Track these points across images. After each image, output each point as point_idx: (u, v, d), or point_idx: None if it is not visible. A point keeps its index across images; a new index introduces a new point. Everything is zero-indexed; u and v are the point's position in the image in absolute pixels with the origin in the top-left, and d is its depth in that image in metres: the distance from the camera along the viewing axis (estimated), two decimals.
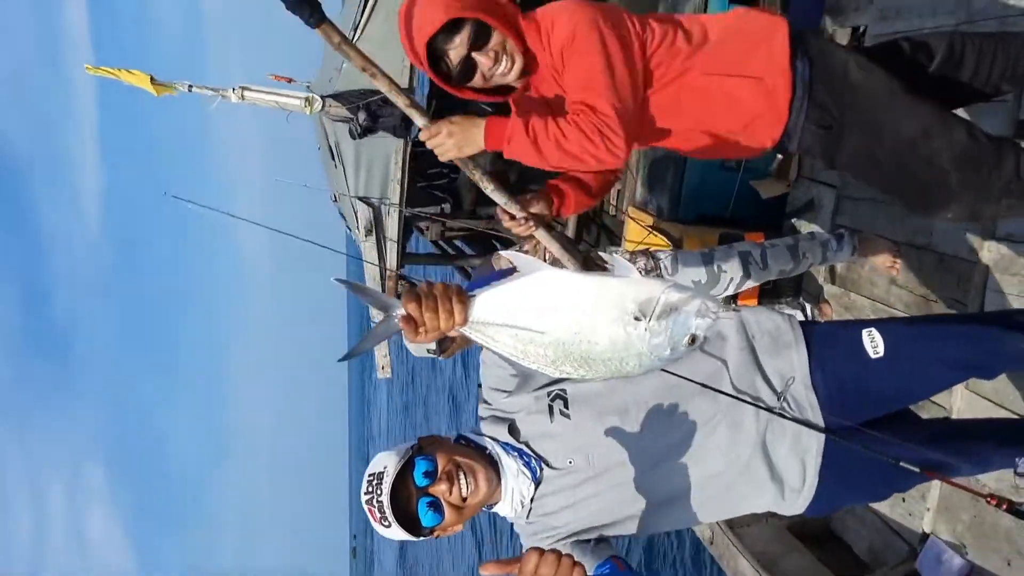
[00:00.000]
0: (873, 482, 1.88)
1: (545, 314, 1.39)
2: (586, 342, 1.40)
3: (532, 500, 1.71)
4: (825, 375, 1.82)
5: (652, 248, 3.44)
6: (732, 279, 3.16)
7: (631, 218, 4.93)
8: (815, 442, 1.77)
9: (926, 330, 1.95)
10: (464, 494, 1.61)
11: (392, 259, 4.50)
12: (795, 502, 1.81)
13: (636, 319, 1.39)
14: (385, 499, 1.56)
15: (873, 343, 1.84)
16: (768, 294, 3.85)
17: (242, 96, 4.16)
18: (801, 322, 1.93)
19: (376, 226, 4.44)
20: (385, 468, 1.60)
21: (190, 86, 4.29)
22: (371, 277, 4.50)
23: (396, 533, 1.58)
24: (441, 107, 9.11)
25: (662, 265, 3.17)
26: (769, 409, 1.75)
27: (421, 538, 1.64)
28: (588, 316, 1.39)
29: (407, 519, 1.58)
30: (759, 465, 1.75)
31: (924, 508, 2.83)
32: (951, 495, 2.71)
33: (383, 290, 4.52)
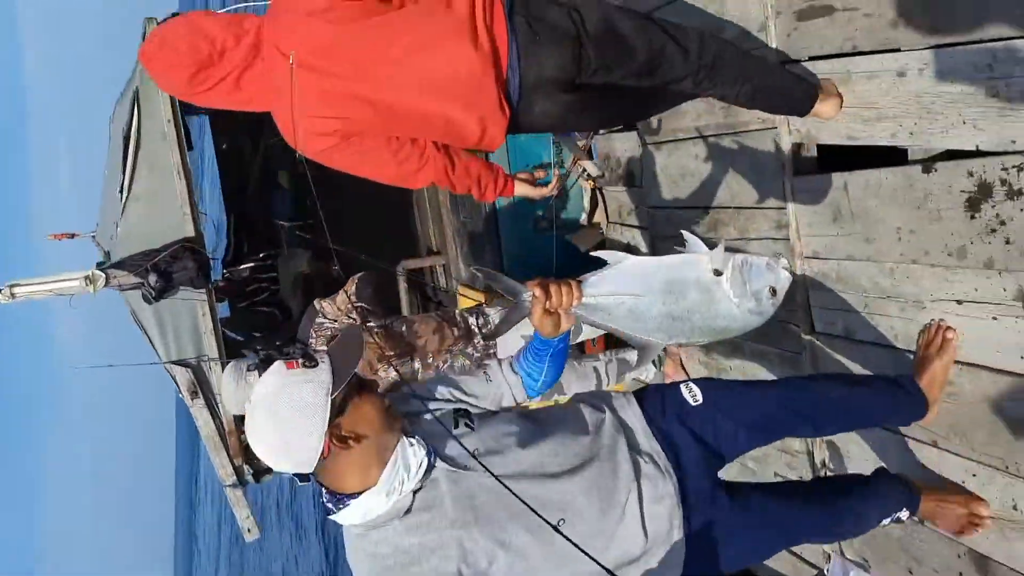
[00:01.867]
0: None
1: (645, 288, 1.72)
2: (683, 308, 1.73)
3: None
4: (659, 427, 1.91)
5: (482, 306, 3.43)
6: (571, 328, 3.15)
7: (463, 295, 4.84)
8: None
9: (740, 383, 2.16)
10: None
11: (226, 413, 4.17)
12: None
13: (716, 274, 1.73)
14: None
15: (691, 393, 1.98)
16: (614, 339, 3.85)
17: (11, 295, 3.75)
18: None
19: (200, 386, 4.11)
20: None
21: None
22: (209, 439, 4.15)
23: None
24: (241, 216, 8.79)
25: (491, 320, 3.19)
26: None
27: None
28: (679, 284, 1.72)
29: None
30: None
31: None
32: None
33: (227, 450, 4.18)
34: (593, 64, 2.06)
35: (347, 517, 1.56)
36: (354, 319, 3.09)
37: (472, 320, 3.21)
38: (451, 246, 5.39)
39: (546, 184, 2.53)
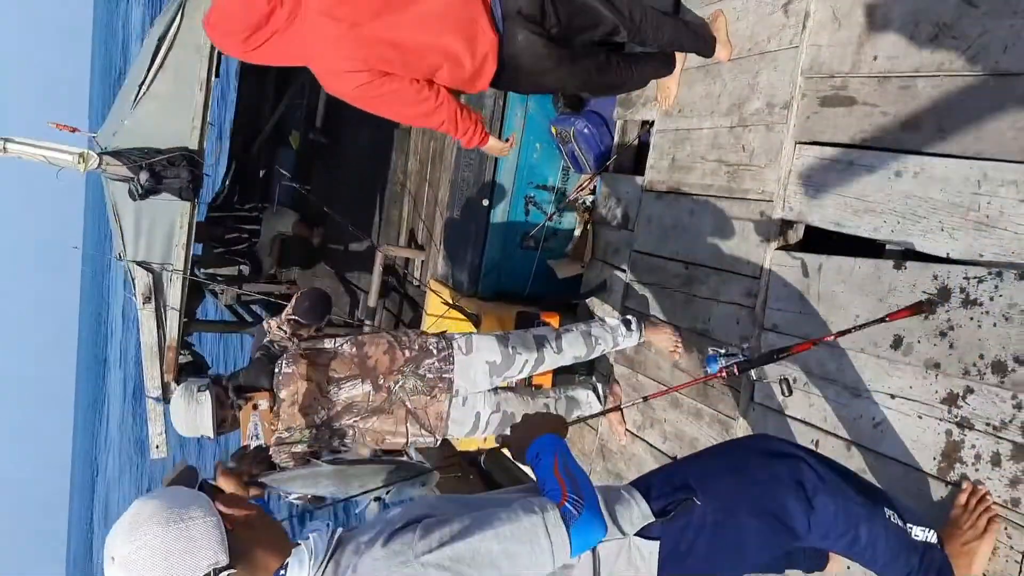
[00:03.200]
0: None
1: None
2: None
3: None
4: None
5: (447, 332, 3.38)
6: (527, 361, 3.17)
7: (432, 291, 4.89)
8: None
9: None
10: None
11: (172, 329, 4.17)
12: None
13: None
14: None
15: None
16: (562, 373, 3.91)
17: (3, 148, 3.76)
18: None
19: (156, 293, 4.11)
20: None
21: None
22: (148, 347, 4.14)
23: None
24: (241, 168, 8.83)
25: (455, 345, 3.14)
26: None
27: None
28: None
29: None
30: None
31: None
32: None
33: (162, 364, 4.18)
34: (552, 18, 2.68)
35: None
36: (285, 331, 3.08)
37: (433, 342, 3.15)
38: (435, 244, 5.46)
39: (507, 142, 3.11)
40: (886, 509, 1.82)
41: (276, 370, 2.95)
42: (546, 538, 1.41)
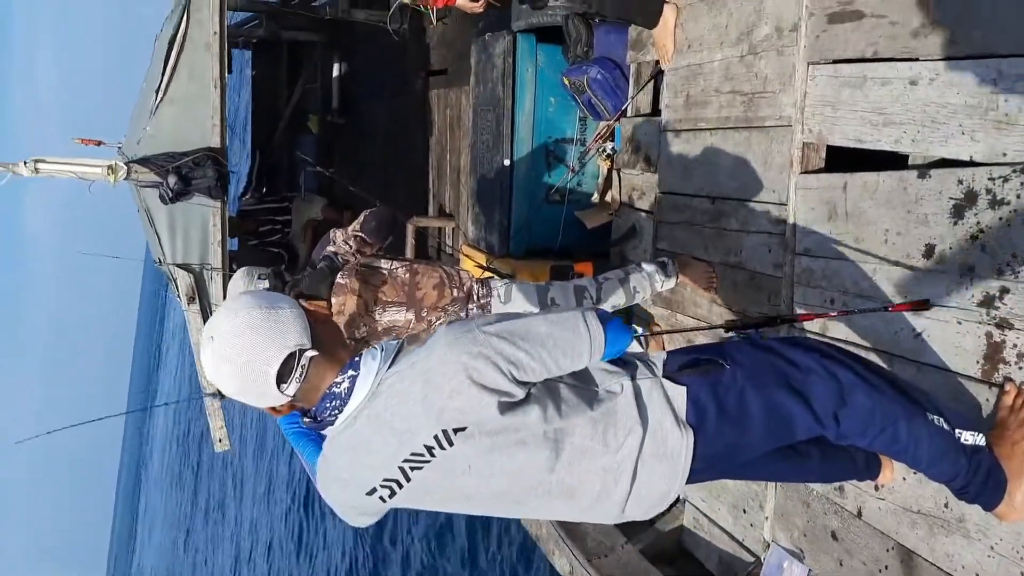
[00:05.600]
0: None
1: None
2: None
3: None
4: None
5: (492, 278, 3.45)
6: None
7: (466, 256, 4.95)
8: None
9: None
10: None
11: None
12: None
13: None
14: None
15: None
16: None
17: (35, 169, 3.86)
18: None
19: (199, 293, 4.23)
20: None
21: None
22: (197, 346, 4.27)
23: None
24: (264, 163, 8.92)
25: (495, 293, 3.20)
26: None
27: None
28: None
29: None
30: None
31: (763, 517, 2.94)
32: (786, 503, 2.83)
33: None
34: None
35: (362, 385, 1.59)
36: (351, 246, 3.14)
37: (476, 288, 3.21)
38: (464, 210, 5.50)
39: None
40: (929, 413, 1.83)
41: (335, 278, 3.02)
42: (585, 329, 1.63)
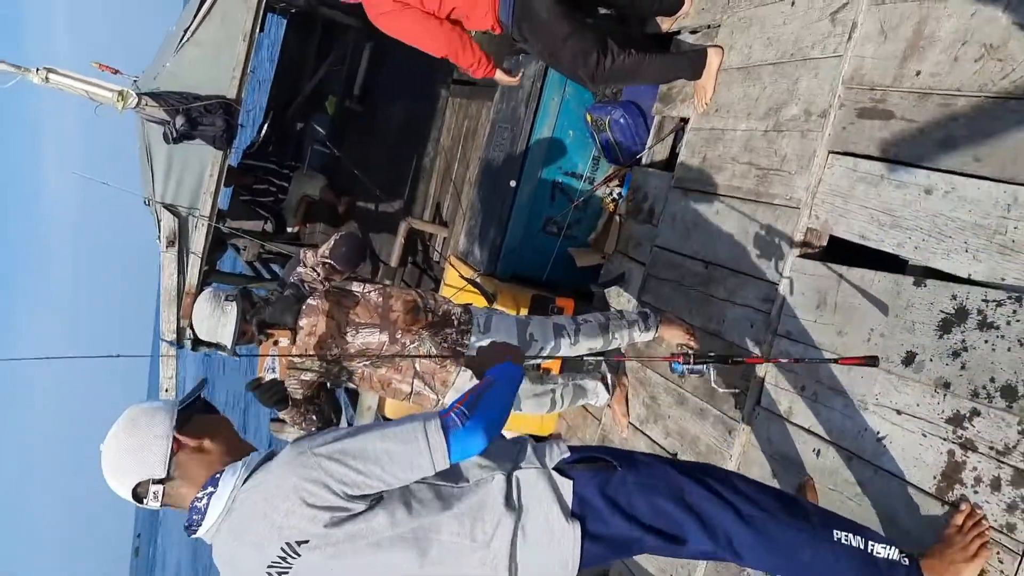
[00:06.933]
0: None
1: None
2: None
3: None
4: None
5: (472, 305, 3.41)
6: (542, 348, 3.20)
7: (451, 266, 4.91)
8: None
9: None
10: None
11: (192, 275, 4.22)
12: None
13: None
14: None
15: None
16: (570, 363, 3.92)
17: (46, 78, 3.80)
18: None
19: (180, 238, 4.16)
20: None
21: None
22: (166, 291, 4.19)
23: None
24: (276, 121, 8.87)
25: (475, 321, 3.17)
26: None
27: None
28: None
29: None
30: None
31: None
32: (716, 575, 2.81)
33: (179, 309, 4.23)
34: None
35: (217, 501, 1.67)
36: (318, 274, 3.11)
37: (457, 313, 3.18)
38: (460, 221, 5.48)
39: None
40: (835, 531, 1.86)
41: (301, 307, 2.98)
42: (425, 442, 1.61)
